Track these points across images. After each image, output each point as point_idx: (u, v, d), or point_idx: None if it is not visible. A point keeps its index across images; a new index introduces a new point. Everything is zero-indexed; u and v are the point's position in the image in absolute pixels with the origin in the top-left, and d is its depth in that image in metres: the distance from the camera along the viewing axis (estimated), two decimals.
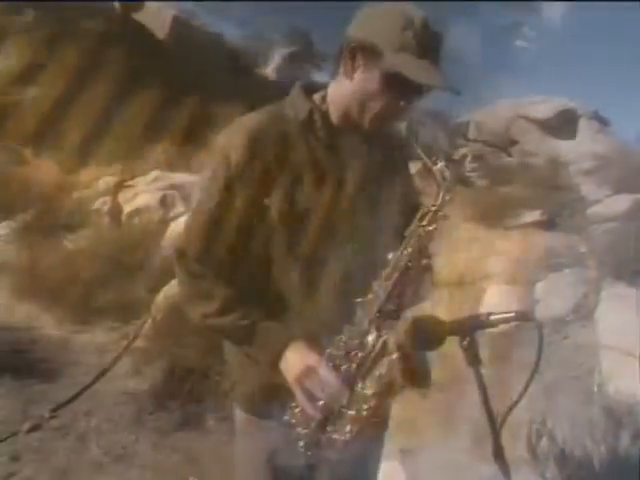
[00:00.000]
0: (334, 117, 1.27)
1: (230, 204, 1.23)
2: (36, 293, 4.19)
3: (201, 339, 3.11)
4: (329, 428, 1.19)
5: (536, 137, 8.79)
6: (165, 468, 2.76)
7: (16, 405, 3.05)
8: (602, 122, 9.21)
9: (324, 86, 1.31)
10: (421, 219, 1.15)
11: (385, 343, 1.13)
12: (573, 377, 3.62)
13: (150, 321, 3.81)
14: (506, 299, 4.36)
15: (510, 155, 8.52)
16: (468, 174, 7.39)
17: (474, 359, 1.03)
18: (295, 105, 1.28)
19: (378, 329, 1.16)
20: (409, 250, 1.16)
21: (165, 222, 5.48)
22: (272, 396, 1.26)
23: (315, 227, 1.24)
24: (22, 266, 4.44)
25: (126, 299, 4.13)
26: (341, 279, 1.26)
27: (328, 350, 1.19)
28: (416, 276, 1.17)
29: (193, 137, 6.87)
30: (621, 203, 6.29)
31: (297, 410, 1.22)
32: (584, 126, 8.87)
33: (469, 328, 1.04)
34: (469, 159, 7.63)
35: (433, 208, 1.15)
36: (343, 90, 1.24)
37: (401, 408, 1.36)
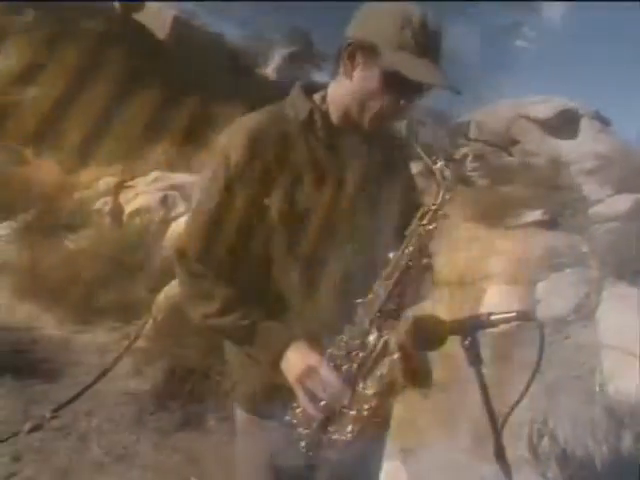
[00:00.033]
0: (334, 117, 1.27)
1: (230, 204, 1.23)
2: (37, 293, 4.19)
3: (202, 339, 3.11)
4: (330, 428, 1.19)
5: (537, 137, 8.78)
6: (166, 468, 2.76)
7: (17, 405, 3.06)
8: (603, 122, 9.20)
9: (324, 86, 1.31)
10: (421, 218, 1.15)
11: (386, 343, 1.13)
12: (574, 377, 3.61)
13: (151, 321, 3.81)
14: (507, 299, 4.35)
15: (511, 155, 8.51)
16: (469, 174, 7.38)
17: (475, 359, 1.03)
18: (295, 105, 1.28)
19: (379, 329, 1.16)
20: (410, 249, 1.16)
21: (166, 222, 5.48)
22: (273, 396, 1.26)
23: (315, 227, 1.23)
24: (23, 266, 4.44)
25: (127, 299, 4.13)
26: (341, 279, 1.25)
27: (329, 350, 1.19)
28: (417, 275, 1.17)
29: (193, 137, 6.87)
30: (623, 203, 6.28)
31: (298, 410, 1.22)
32: (585, 126, 8.86)
33: (470, 328, 1.04)
34: (470, 159, 7.62)
35: (433, 207, 1.15)
36: (343, 90, 1.24)
37: (402, 408, 1.36)
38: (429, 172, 1.15)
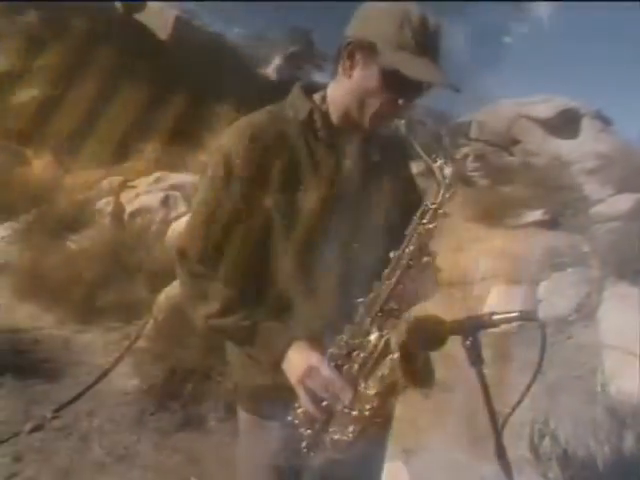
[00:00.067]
0: (334, 117, 1.28)
1: (231, 204, 1.24)
2: (38, 293, 4.19)
3: (203, 340, 3.11)
4: (332, 428, 1.19)
5: (538, 136, 8.76)
6: (167, 468, 2.76)
7: (18, 405, 3.06)
8: (605, 121, 9.18)
9: (324, 86, 1.31)
10: (421, 217, 1.15)
11: (387, 342, 1.13)
12: (576, 377, 3.61)
13: (152, 321, 3.81)
14: (509, 299, 4.35)
15: (512, 154, 8.51)
16: (470, 174, 7.37)
17: (477, 359, 1.03)
18: (295, 105, 1.28)
19: (380, 328, 1.15)
20: (410, 248, 1.16)
21: (167, 222, 5.48)
22: (275, 397, 1.26)
23: (315, 227, 1.23)
24: (24, 267, 4.44)
25: (128, 299, 4.13)
26: (342, 279, 1.26)
27: (330, 350, 1.19)
28: (417, 274, 1.17)
29: (194, 138, 6.87)
30: (624, 202, 6.27)
31: (300, 411, 1.22)
32: (586, 125, 8.85)
33: (471, 328, 1.04)
34: (471, 159, 7.62)
35: (433, 206, 1.14)
36: (342, 89, 1.24)
37: (404, 408, 1.36)
38: (429, 172, 1.15)
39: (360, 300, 1.18)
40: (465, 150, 7.79)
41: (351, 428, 1.16)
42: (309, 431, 1.21)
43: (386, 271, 1.17)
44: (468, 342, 1.03)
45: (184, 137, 6.87)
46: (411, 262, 1.16)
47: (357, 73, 1.20)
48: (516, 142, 8.86)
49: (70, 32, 7.16)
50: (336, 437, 1.18)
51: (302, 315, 1.26)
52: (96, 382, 3.36)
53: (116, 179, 6.27)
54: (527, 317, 1.04)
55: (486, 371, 1.03)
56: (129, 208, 5.79)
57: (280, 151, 1.24)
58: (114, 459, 2.77)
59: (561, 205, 6.44)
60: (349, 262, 1.26)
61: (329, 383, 1.15)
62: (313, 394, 1.17)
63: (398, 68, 1.14)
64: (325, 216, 1.23)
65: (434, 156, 1.14)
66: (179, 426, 3.04)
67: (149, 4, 9.44)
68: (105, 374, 3.44)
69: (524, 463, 2.62)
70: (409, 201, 1.25)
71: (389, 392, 1.13)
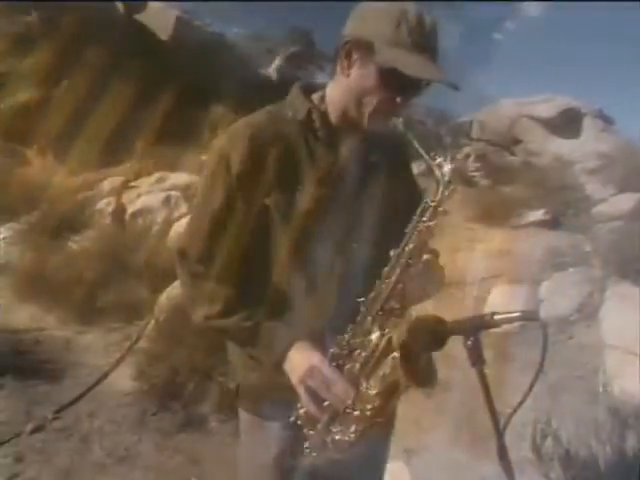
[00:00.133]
0: (333, 117, 1.28)
1: (230, 204, 1.24)
2: (39, 294, 4.19)
3: (204, 340, 3.11)
4: (334, 429, 1.18)
5: (540, 136, 8.76)
6: (168, 469, 2.76)
7: (19, 406, 3.06)
8: (606, 121, 9.18)
9: (323, 86, 1.31)
10: (421, 215, 1.15)
11: (389, 342, 1.12)
12: (578, 377, 3.60)
13: (153, 322, 3.81)
14: (510, 299, 4.35)
15: (513, 154, 8.50)
16: (471, 173, 7.37)
17: (478, 359, 1.02)
18: (294, 105, 1.29)
19: (381, 327, 1.15)
20: (410, 246, 1.15)
21: (168, 223, 5.48)
22: (276, 397, 1.26)
23: (315, 226, 1.23)
24: (25, 267, 4.44)
25: (129, 300, 4.13)
26: (343, 278, 1.25)
27: (331, 350, 1.19)
28: (418, 273, 1.17)
29: (195, 138, 6.87)
30: (626, 202, 6.27)
31: (302, 411, 1.21)
32: (588, 125, 8.84)
33: (472, 328, 1.03)
34: (472, 158, 7.62)
35: (432, 203, 1.14)
36: (341, 88, 1.25)
37: (405, 408, 1.36)
38: (429, 171, 1.14)
39: (361, 299, 1.17)
40: (467, 150, 7.79)
41: (353, 428, 1.16)
42: (311, 432, 1.21)
43: (386, 269, 1.17)
44: (469, 342, 1.02)
45: (185, 137, 6.88)
46: (411, 260, 1.16)
47: (355, 72, 1.20)
48: (517, 142, 8.86)
49: (70, 32, 7.16)
50: (338, 437, 1.18)
51: (303, 315, 1.26)
52: (97, 383, 3.36)
53: (117, 179, 6.27)
54: (529, 317, 1.04)
55: (487, 371, 1.03)
56: (130, 208, 5.79)
57: (279, 151, 1.24)
58: (115, 460, 2.77)
59: (563, 205, 6.44)
60: (349, 261, 1.26)
61: (330, 383, 1.15)
62: (314, 394, 1.17)
63: (395, 66, 1.14)
64: (324, 216, 1.23)
65: (433, 154, 1.14)
66: (180, 427, 3.04)
67: (150, 4, 9.44)
68: (106, 375, 3.44)
69: (526, 463, 2.61)
70: (409, 200, 1.25)
71: (391, 392, 1.13)
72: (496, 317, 1.02)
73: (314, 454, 1.22)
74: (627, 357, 3.60)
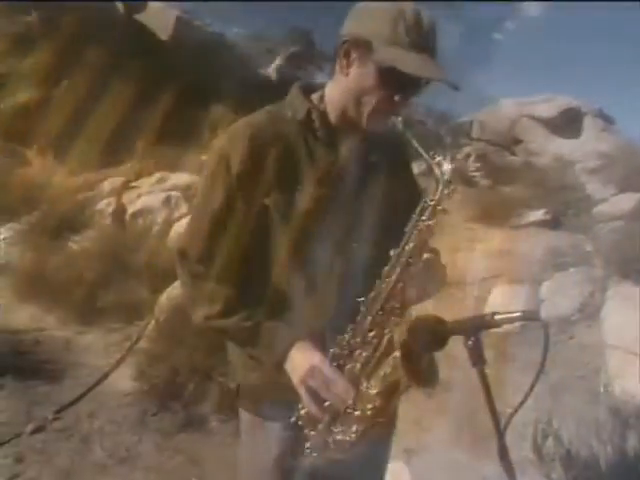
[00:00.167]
0: (332, 116, 1.28)
1: (230, 204, 1.24)
2: (40, 294, 4.19)
3: (204, 340, 3.11)
4: (335, 429, 1.18)
5: (540, 136, 8.76)
6: (168, 469, 2.75)
7: (20, 406, 3.06)
8: (607, 120, 9.17)
9: (323, 86, 1.31)
10: (421, 214, 1.15)
11: (389, 342, 1.12)
12: (579, 377, 3.60)
13: (153, 322, 3.81)
14: (511, 299, 4.34)
15: (514, 154, 8.50)
16: (471, 173, 7.36)
17: (479, 359, 1.02)
18: (293, 105, 1.29)
19: (382, 327, 1.15)
20: (410, 246, 1.15)
21: (169, 223, 5.48)
22: (276, 397, 1.26)
23: (315, 226, 1.23)
24: (26, 268, 4.44)
25: (129, 300, 4.13)
26: (343, 278, 1.25)
27: (332, 350, 1.19)
28: (418, 272, 1.16)
29: (195, 138, 6.88)
30: (626, 202, 6.26)
31: (303, 411, 1.21)
32: (589, 124, 8.84)
33: (473, 328, 1.03)
34: (472, 158, 7.61)
35: (432, 202, 1.14)
36: (340, 88, 1.25)
37: (405, 408, 1.35)
38: (429, 170, 1.14)
39: (361, 299, 1.17)
40: (467, 150, 7.79)
41: (354, 428, 1.16)
42: (312, 432, 1.21)
43: (386, 269, 1.17)
44: (470, 342, 1.02)
45: (185, 137, 6.88)
46: (411, 260, 1.15)
47: (354, 71, 1.20)
48: (518, 142, 8.86)
49: (70, 32, 7.16)
50: (339, 437, 1.18)
51: (303, 315, 1.25)
52: (97, 383, 3.36)
53: (118, 179, 6.28)
54: (530, 317, 1.03)
55: (488, 371, 1.03)
56: (131, 209, 5.79)
57: (279, 151, 1.23)
58: (115, 460, 2.77)
59: (563, 205, 6.44)
60: (349, 261, 1.26)
61: (331, 383, 1.15)
62: (315, 394, 1.17)
63: (394, 65, 1.14)
64: (324, 216, 1.23)
65: (432, 153, 1.14)
66: (181, 427, 3.04)
67: (150, 4, 9.44)
68: (106, 375, 3.44)
69: (527, 464, 2.61)
70: (409, 200, 1.25)
71: (391, 392, 1.13)
72: (497, 317, 1.02)
73: (315, 454, 1.21)
74: (628, 357, 3.59)
